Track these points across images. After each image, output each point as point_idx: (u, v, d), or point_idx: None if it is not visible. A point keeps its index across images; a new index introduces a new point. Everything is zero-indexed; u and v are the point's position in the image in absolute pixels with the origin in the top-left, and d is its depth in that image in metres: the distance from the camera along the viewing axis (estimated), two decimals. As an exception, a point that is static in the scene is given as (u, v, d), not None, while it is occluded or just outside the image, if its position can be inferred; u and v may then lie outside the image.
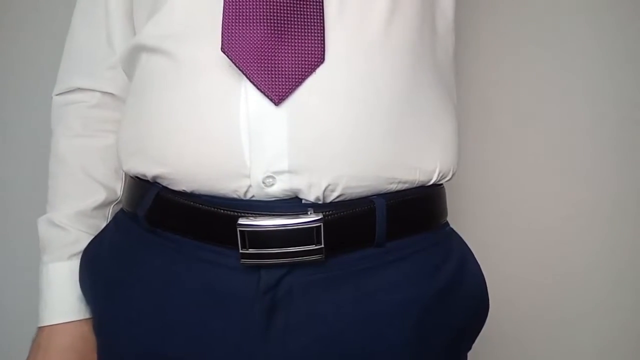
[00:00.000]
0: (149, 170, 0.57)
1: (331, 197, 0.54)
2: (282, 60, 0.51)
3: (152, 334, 0.57)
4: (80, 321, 0.64)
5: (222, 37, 0.51)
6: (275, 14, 0.51)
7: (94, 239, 0.65)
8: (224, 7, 0.52)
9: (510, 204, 1.11)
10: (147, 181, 0.59)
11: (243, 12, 0.51)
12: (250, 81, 0.51)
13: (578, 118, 1.10)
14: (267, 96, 0.51)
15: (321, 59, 0.52)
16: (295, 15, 0.51)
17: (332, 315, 0.55)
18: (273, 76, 0.51)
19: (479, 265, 0.64)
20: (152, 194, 0.58)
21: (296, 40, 0.51)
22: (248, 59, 0.50)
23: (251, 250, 0.53)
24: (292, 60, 0.51)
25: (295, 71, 0.51)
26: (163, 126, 0.55)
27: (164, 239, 0.57)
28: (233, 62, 0.51)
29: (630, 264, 1.13)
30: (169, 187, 0.57)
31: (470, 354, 0.66)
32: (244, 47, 0.50)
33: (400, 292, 0.56)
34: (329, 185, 0.53)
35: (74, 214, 0.66)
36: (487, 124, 1.09)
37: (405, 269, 0.57)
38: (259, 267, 0.54)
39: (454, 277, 0.60)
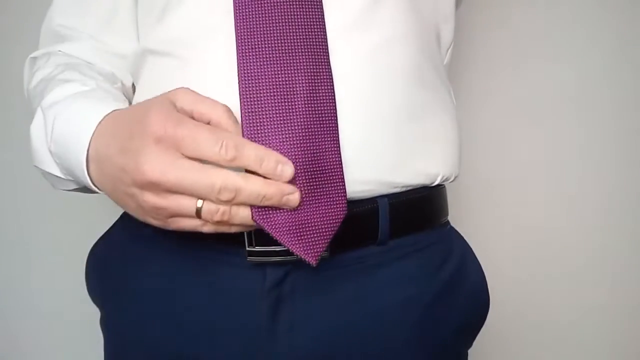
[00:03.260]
0: None
1: None
2: (312, 223, 0.49)
3: (158, 331, 0.57)
4: None
5: (251, 209, 0.48)
6: (302, 183, 0.49)
7: (101, 239, 0.65)
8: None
9: (511, 203, 1.11)
10: None
11: None
12: (288, 249, 0.50)
13: (580, 118, 1.10)
14: (305, 260, 0.50)
15: (345, 210, 0.51)
16: (320, 178, 0.50)
17: (335, 313, 0.55)
18: (307, 242, 0.49)
19: (479, 264, 0.65)
20: None
21: (323, 202, 0.50)
22: (281, 229, 0.48)
23: (257, 248, 0.53)
24: (321, 221, 0.50)
25: (325, 231, 0.50)
26: None
27: (172, 238, 0.57)
28: (267, 231, 0.49)
29: (629, 264, 1.13)
30: None
31: (470, 351, 0.66)
32: (275, 218, 0.48)
33: (403, 290, 0.57)
34: None
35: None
36: (489, 124, 1.09)
37: (408, 267, 0.58)
38: (264, 264, 0.54)
39: (455, 275, 0.61)
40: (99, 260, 0.64)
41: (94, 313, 0.66)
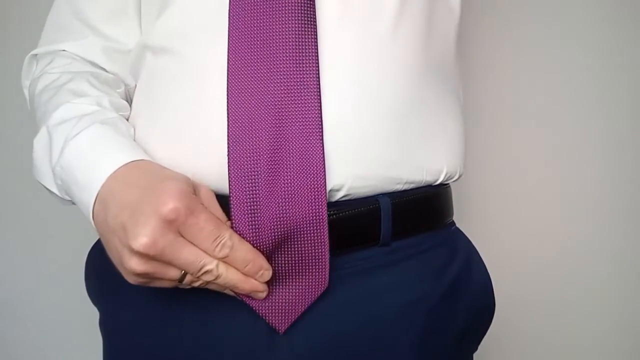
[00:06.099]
0: None
1: (336, 197, 0.53)
2: (286, 298, 0.52)
3: (156, 333, 0.56)
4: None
5: None
6: (283, 257, 0.51)
7: (97, 245, 0.64)
8: None
9: (516, 203, 1.11)
10: None
11: None
12: (258, 314, 0.52)
13: (584, 117, 1.10)
14: (273, 326, 0.52)
15: (325, 285, 0.52)
16: (303, 255, 0.51)
17: (337, 315, 0.54)
18: (279, 313, 0.52)
19: (484, 265, 0.64)
20: None
21: (301, 279, 0.52)
22: (255, 300, 0.51)
23: (257, 250, 0.53)
24: (296, 297, 0.52)
25: (299, 306, 0.52)
26: (169, 127, 0.55)
27: None
28: (242, 299, 0.51)
29: (636, 261, 1.13)
30: None
31: (475, 355, 0.65)
32: None
33: (406, 293, 0.56)
34: (334, 184, 0.52)
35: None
36: (494, 123, 1.09)
37: (411, 268, 0.57)
38: None
39: (459, 278, 0.60)
40: (97, 262, 0.63)
41: (93, 314, 0.65)
